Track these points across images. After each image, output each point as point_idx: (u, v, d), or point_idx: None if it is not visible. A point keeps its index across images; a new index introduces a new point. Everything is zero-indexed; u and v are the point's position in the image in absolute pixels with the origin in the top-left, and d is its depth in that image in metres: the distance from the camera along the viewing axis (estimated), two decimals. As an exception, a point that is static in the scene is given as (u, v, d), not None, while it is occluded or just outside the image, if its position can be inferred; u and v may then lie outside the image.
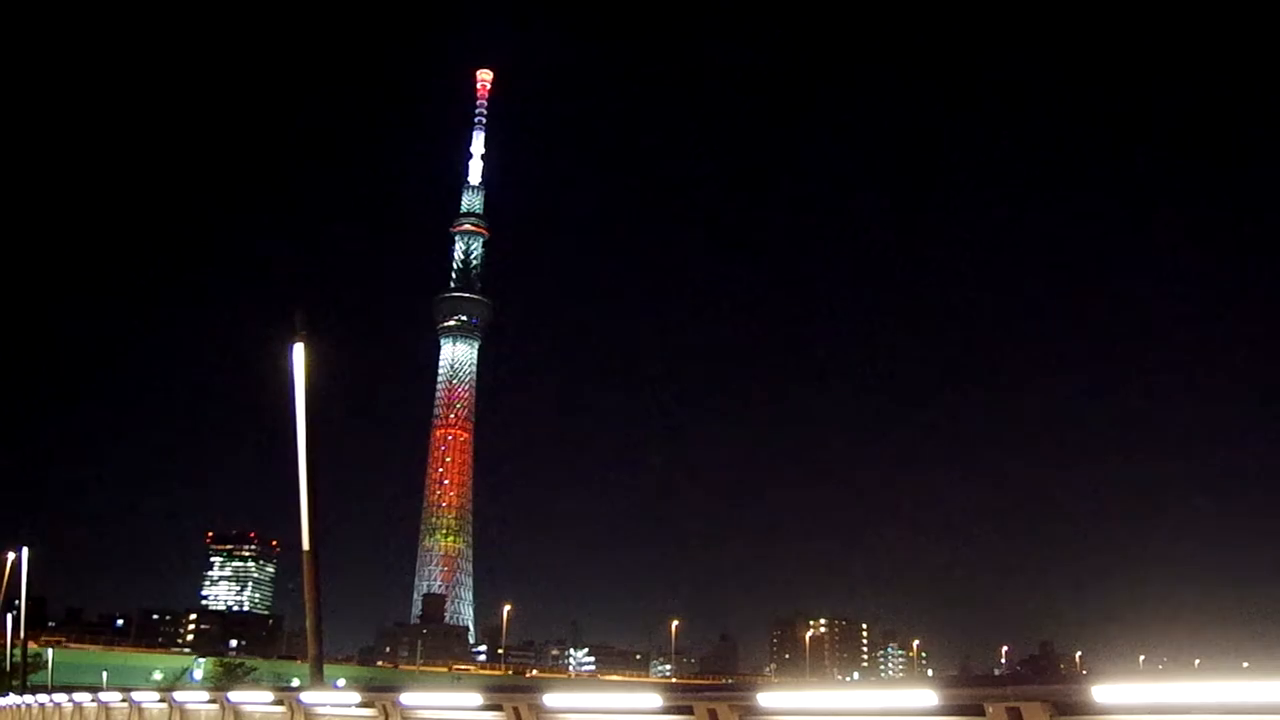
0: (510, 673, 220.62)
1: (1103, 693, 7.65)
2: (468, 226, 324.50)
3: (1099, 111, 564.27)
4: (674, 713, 11.28)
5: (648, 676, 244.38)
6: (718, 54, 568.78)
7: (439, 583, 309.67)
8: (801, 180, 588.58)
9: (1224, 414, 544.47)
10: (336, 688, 21.03)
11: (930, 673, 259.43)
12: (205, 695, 23.65)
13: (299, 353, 21.51)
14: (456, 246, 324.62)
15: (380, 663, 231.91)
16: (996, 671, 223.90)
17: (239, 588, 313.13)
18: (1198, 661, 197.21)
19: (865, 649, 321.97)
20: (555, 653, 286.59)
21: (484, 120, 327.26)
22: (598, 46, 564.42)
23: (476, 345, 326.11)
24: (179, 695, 24.14)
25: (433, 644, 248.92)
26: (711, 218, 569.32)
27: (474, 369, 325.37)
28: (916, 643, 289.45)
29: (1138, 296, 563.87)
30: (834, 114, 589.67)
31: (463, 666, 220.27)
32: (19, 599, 66.16)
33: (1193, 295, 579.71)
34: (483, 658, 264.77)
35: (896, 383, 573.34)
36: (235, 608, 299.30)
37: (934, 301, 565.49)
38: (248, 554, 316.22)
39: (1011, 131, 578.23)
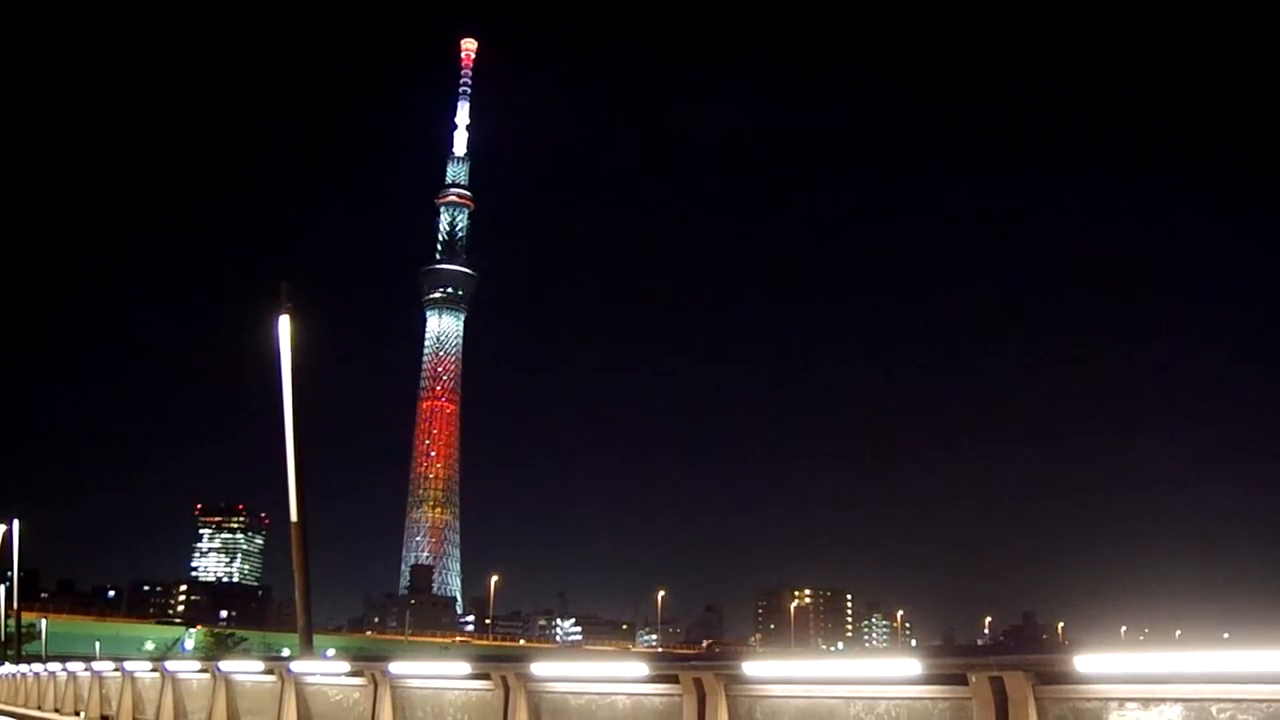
0: (496, 641, 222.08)
1: (1085, 663, 7.74)
2: (453, 198, 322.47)
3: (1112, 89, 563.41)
4: (660, 681, 11.38)
5: (634, 646, 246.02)
6: (715, 15, 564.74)
7: (426, 554, 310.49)
8: (800, 147, 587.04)
9: (1208, 388, 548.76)
10: (326, 657, 21.10)
11: (914, 643, 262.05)
12: (197, 665, 23.71)
13: (285, 325, 21.47)
14: (442, 218, 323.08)
15: (369, 633, 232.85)
16: (980, 642, 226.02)
17: (228, 559, 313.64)
18: (1179, 632, 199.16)
19: (850, 619, 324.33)
20: (542, 623, 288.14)
21: (468, 90, 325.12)
22: (585, 11, 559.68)
23: (462, 317, 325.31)
24: (171, 665, 24.19)
25: (421, 614, 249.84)
26: (704, 185, 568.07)
27: (460, 341, 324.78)
28: (900, 613, 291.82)
29: (1127, 270, 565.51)
30: (841, 78, 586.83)
31: (445, 638, 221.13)
32: (11, 570, 66.28)
33: (1185, 272, 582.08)
34: (470, 628, 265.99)
35: (880, 358, 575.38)
36: (225, 579, 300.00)
37: (918, 282, 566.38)
38: (236, 526, 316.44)
39: (1014, 116, 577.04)
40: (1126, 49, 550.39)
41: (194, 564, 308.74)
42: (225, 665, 21.29)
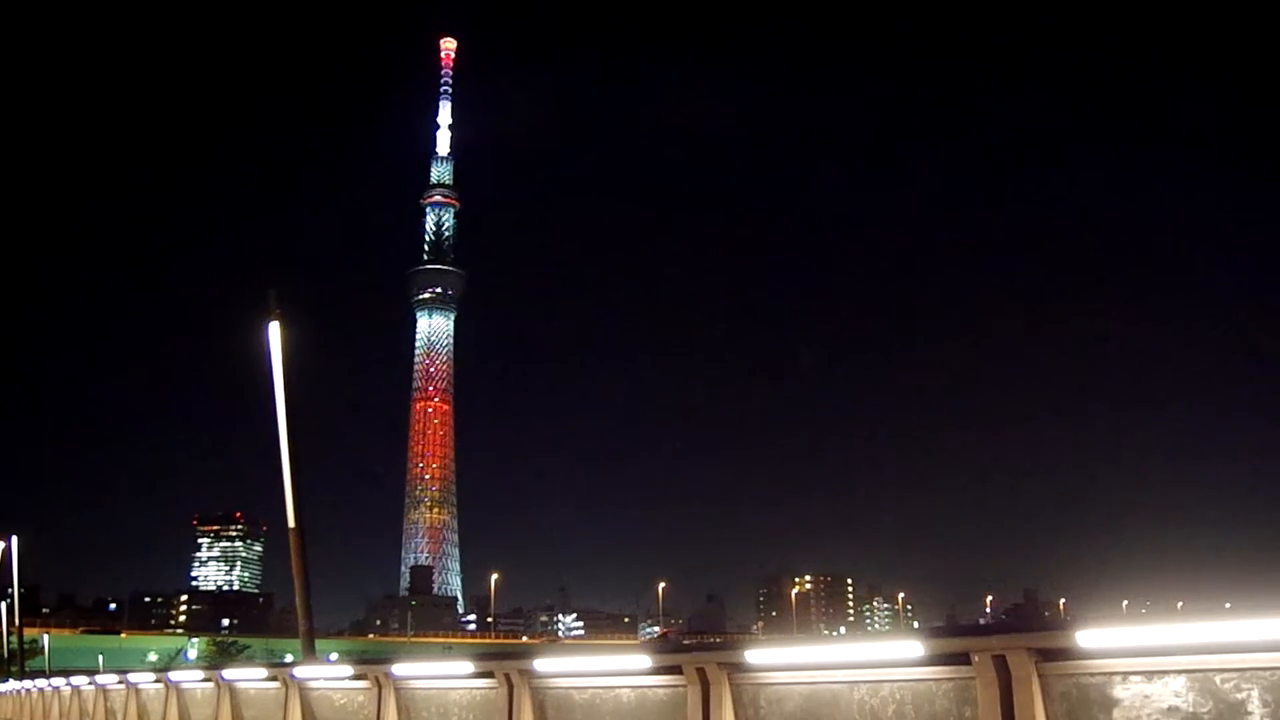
0: (498, 639, 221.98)
1: (1087, 637, 7.71)
2: (438, 198, 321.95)
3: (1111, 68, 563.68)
4: (663, 673, 11.36)
5: (636, 639, 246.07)
6: (696, 8, 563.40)
7: (426, 554, 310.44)
8: (788, 138, 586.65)
9: (1203, 362, 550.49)
10: (329, 661, 21.07)
11: (916, 624, 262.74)
12: (200, 674, 23.64)
13: (275, 332, 21.40)
14: (428, 219, 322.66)
15: (371, 635, 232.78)
16: (982, 621, 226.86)
17: (228, 568, 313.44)
18: (1180, 604, 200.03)
19: (851, 604, 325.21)
20: (544, 619, 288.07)
21: (449, 90, 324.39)
22: (566, 5, 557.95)
23: (452, 316, 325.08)
24: (174, 675, 24.14)
25: (422, 615, 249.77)
26: (691, 179, 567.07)
27: (451, 340, 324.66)
28: (902, 595, 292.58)
29: (1113, 246, 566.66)
30: (827, 67, 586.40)
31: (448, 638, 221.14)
32: (11, 587, 66.12)
33: (1179, 250, 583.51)
34: (472, 627, 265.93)
35: (874, 342, 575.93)
36: (225, 587, 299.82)
37: (911, 265, 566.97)
38: (235, 534, 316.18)
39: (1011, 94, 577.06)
40: (1120, 36, 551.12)
41: (194, 573, 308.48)
42: (229, 673, 21.23)
